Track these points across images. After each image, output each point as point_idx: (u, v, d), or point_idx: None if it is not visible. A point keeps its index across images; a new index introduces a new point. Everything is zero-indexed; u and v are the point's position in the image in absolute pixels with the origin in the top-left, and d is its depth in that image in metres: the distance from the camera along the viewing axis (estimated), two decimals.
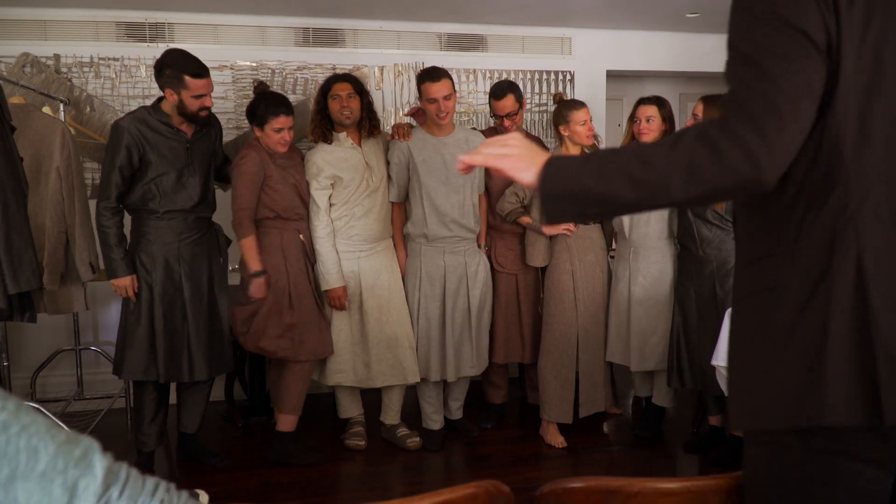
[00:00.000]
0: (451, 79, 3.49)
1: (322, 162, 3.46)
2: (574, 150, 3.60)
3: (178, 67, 3.07)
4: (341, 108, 3.45)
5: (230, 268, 3.58)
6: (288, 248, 3.40)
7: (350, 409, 3.75)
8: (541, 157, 1.15)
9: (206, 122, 3.27)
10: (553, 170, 1.13)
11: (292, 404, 3.44)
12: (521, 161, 1.16)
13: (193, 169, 3.23)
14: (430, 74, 3.47)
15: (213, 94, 4.28)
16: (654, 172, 1.04)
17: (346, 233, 3.52)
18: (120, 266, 3.12)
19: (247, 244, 3.30)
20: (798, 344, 1.06)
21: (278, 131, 3.29)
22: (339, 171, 3.46)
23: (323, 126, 3.50)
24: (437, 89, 3.42)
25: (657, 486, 1.19)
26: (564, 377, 3.64)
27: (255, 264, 3.30)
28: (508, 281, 3.81)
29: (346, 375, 3.58)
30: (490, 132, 3.86)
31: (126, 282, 3.13)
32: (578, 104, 3.61)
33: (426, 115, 3.56)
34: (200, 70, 3.11)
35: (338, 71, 4.44)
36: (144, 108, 3.21)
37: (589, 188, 1.09)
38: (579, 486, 1.18)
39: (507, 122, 3.71)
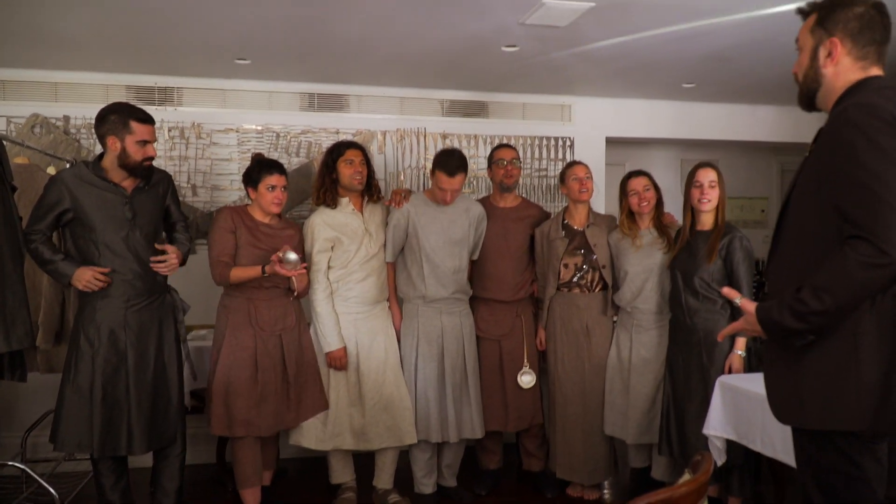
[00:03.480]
0: (466, 172, 3.53)
1: (323, 224, 3.50)
2: (573, 208, 3.74)
3: (123, 113, 2.99)
4: (354, 172, 3.49)
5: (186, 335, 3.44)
6: (260, 318, 3.35)
7: (342, 474, 3.70)
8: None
9: (149, 175, 3.10)
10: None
11: (244, 477, 3.40)
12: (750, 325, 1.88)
13: (135, 225, 3.04)
14: (445, 165, 3.48)
15: (217, 157, 4.47)
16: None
17: (343, 295, 3.53)
18: (66, 266, 2.96)
19: (237, 273, 3.25)
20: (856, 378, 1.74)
21: (271, 189, 3.32)
22: (339, 234, 3.50)
23: (331, 190, 3.53)
24: (449, 184, 3.49)
25: None
26: (566, 436, 3.73)
27: (255, 272, 3.24)
28: (492, 346, 3.78)
29: (344, 438, 3.53)
30: (485, 201, 3.89)
31: (85, 274, 2.94)
32: (574, 162, 3.82)
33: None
34: (146, 116, 3.05)
35: (341, 134, 4.55)
36: (84, 162, 3.09)
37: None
38: None
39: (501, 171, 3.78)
